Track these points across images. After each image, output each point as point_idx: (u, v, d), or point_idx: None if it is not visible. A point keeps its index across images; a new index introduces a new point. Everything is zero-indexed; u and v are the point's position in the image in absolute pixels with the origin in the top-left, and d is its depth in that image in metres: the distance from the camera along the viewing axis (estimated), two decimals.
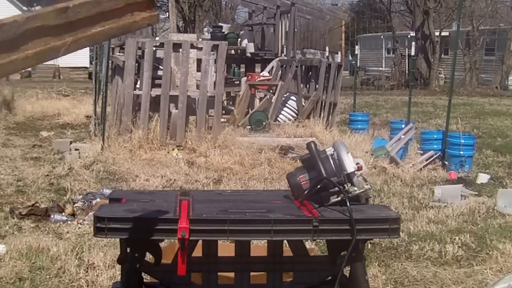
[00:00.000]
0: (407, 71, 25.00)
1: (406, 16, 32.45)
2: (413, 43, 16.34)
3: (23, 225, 4.75)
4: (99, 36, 1.34)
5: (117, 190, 5.11)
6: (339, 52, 28.70)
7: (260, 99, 10.60)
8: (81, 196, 5.52)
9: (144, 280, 2.09)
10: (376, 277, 3.80)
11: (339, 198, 1.96)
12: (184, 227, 1.74)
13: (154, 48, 8.58)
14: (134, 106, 8.39)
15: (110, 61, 9.40)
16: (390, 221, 1.89)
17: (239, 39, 13.30)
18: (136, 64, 8.49)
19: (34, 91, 15.07)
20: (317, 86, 10.29)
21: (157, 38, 12.15)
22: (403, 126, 8.60)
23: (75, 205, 5.21)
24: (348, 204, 1.87)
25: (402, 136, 8.04)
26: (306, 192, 2.00)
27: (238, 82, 12.67)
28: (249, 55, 13.15)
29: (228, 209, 1.95)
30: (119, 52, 10.54)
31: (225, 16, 30.14)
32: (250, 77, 11.55)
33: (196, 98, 8.53)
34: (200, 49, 8.56)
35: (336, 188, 1.96)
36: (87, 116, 11.25)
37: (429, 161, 7.58)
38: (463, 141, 7.41)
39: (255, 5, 14.64)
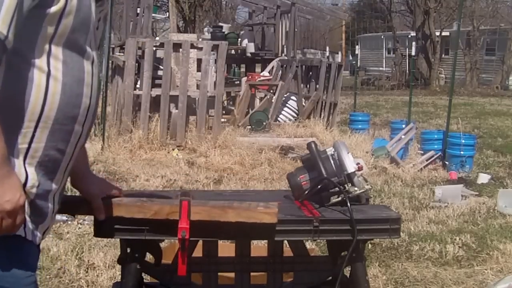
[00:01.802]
0: (407, 71, 25.00)
1: (406, 16, 32.45)
2: (414, 43, 16.36)
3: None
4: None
5: None
6: (340, 52, 28.73)
7: (261, 99, 10.60)
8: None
9: (144, 280, 2.08)
10: (376, 277, 3.79)
11: (339, 198, 1.96)
12: (185, 228, 1.73)
13: (154, 48, 8.57)
14: (134, 106, 8.38)
15: (110, 61, 9.39)
16: (391, 221, 1.89)
17: (239, 39, 13.30)
18: (136, 64, 8.48)
19: None
20: (317, 86, 10.29)
21: (157, 38, 12.15)
22: (403, 126, 8.60)
23: None
24: (348, 204, 1.86)
25: (403, 136, 8.03)
26: (306, 192, 2.00)
27: (238, 82, 12.68)
28: (249, 55, 13.15)
29: None
30: (119, 52, 10.55)
31: (225, 16, 30.14)
32: (250, 77, 11.55)
33: (196, 98, 8.53)
34: (200, 49, 8.56)
35: (337, 188, 1.96)
36: None
37: (429, 161, 7.57)
38: (463, 141, 7.41)
39: (255, 5, 14.65)
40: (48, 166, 1.27)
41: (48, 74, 1.23)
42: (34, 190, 1.26)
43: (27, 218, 1.25)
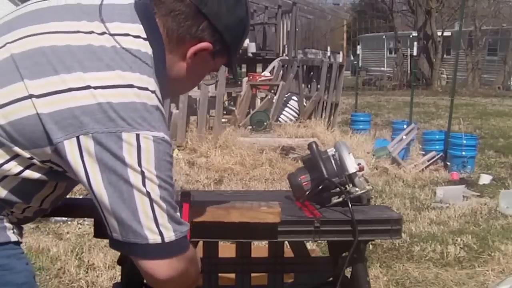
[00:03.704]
0: (409, 71, 24.99)
1: (408, 16, 32.42)
2: (415, 43, 16.30)
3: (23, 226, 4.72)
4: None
5: None
6: (341, 52, 28.67)
7: (261, 99, 10.59)
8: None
9: (144, 281, 2.07)
10: (377, 278, 3.78)
11: (340, 199, 1.95)
12: None
13: None
14: None
15: None
16: (392, 222, 1.87)
17: None
18: None
19: None
20: (318, 86, 10.29)
21: None
22: (405, 126, 8.58)
23: None
24: (349, 205, 1.85)
25: (404, 137, 8.02)
26: (307, 192, 1.99)
27: (239, 82, 12.67)
28: (250, 55, 13.15)
29: None
30: None
31: None
32: (251, 77, 11.55)
33: (197, 98, 8.52)
34: None
35: (338, 189, 1.95)
36: None
37: (431, 161, 7.56)
38: (465, 141, 7.40)
39: (257, 5, 14.64)
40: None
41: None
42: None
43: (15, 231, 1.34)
